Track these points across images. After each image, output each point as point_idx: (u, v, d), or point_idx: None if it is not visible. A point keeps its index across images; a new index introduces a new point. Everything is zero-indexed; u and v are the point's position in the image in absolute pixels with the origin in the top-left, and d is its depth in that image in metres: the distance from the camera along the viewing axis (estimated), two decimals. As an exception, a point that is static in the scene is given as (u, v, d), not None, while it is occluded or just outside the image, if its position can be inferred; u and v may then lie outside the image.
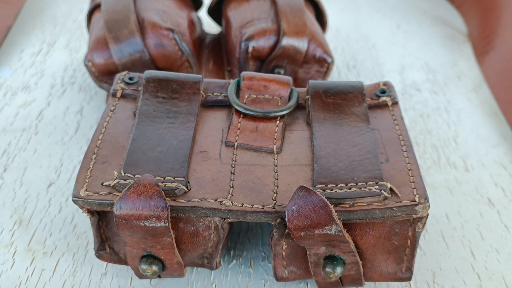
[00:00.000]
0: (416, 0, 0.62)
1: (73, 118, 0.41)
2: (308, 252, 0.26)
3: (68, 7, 0.56)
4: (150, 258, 0.26)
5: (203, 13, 0.55)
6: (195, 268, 0.30)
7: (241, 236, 0.32)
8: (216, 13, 0.47)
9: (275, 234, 0.26)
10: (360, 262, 0.26)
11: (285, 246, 0.27)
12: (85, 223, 0.33)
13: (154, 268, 0.26)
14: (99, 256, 0.28)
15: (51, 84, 0.45)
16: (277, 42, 0.39)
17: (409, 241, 0.26)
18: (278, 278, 0.28)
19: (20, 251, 0.31)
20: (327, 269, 0.26)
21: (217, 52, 0.44)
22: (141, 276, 0.28)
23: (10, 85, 0.44)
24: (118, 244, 0.28)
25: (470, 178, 0.37)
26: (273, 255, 0.27)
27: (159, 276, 0.28)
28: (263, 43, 0.39)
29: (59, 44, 0.50)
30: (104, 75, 0.39)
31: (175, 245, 0.26)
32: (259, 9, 0.41)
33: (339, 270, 0.26)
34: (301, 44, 0.39)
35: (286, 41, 0.38)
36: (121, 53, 0.38)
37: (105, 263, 0.30)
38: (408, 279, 0.27)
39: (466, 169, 0.38)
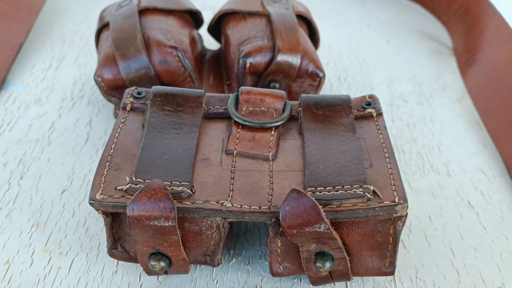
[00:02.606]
0: (405, 16, 0.65)
1: (83, 129, 0.43)
2: (300, 249, 0.28)
3: (75, 25, 0.59)
4: (158, 255, 0.29)
5: (203, 31, 0.57)
6: (198, 265, 0.32)
7: (240, 237, 0.35)
8: (215, 31, 0.49)
9: (270, 232, 0.29)
10: (348, 258, 0.29)
11: (279, 244, 0.29)
12: (96, 226, 0.35)
13: (162, 264, 0.29)
14: (111, 254, 0.30)
15: (62, 97, 0.47)
16: (272, 58, 0.41)
17: (391, 238, 0.29)
18: (274, 274, 0.30)
19: (38, 252, 0.33)
20: (318, 264, 0.28)
21: (217, 67, 0.46)
22: (149, 272, 0.30)
23: (23, 99, 0.46)
24: (129, 243, 0.30)
25: (451, 183, 0.40)
26: (269, 252, 0.29)
27: (166, 272, 0.30)
28: (260, 59, 0.41)
29: (68, 59, 0.52)
30: (112, 89, 0.41)
31: (181, 243, 0.28)
32: (256, 28, 0.44)
33: (328, 265, 0.28)
34: (294, 60, 0.41)
35: (280, 58, 0.41)
36: (128, 69, 0.40)
37: (116, 261, 0.33)
38: (392, 273, 0.30)
39: (448, 175, 0.41)
